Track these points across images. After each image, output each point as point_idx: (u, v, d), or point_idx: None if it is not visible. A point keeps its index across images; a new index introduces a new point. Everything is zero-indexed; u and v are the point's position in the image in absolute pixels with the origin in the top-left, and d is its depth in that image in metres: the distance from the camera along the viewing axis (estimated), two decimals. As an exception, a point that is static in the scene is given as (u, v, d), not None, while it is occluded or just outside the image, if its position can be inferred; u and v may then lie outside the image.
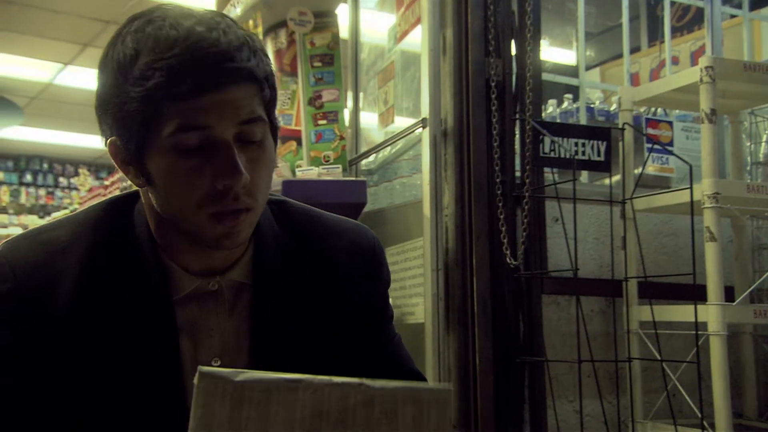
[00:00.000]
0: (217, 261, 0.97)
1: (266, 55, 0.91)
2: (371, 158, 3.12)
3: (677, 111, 2.83)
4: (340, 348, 1.02)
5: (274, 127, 0.93)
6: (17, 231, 7.47)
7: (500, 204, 2.27)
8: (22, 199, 10.32)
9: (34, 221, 7.85)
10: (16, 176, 10.46)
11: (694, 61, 3.25)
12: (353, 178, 2.81)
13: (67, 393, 0.91)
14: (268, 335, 0.98)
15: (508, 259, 2.23)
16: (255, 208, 0.91)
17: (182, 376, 0.94)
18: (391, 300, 2.64)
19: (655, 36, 3.76)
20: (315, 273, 1.01)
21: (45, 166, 10.59)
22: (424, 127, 2.39)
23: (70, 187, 10.44)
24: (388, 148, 2.93)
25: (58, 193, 10.56)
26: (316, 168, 2.56)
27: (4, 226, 8.20)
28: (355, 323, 1.04)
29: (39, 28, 6.11)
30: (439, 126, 2.38)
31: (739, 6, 3.06)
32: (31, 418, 0.90)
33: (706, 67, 2.08)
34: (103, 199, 1.03)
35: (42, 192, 10.50)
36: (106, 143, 0.92)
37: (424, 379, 1.13)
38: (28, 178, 10.51)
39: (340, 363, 1.02)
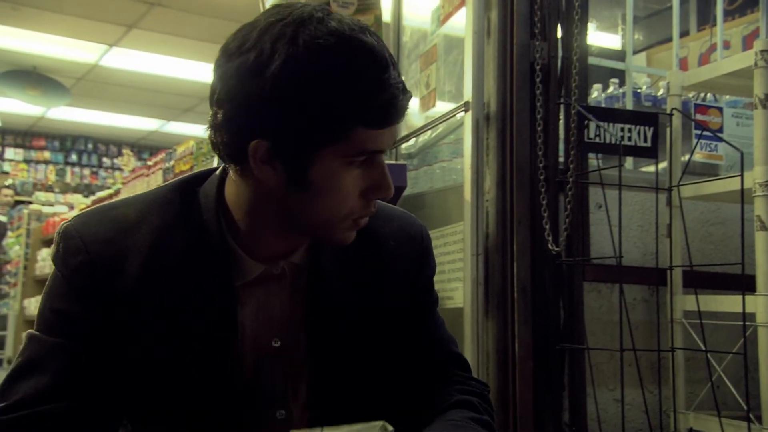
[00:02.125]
0: (284, 247, 1.00)
1: None
2: (411, 142, 3.10)
3: (727, 97, 2.75)
4: (389, 327, 1.06)
5: None
6: (63, 209, 7.64)
7: (542, 189, 2.24)
8: (68, 178, 10.55)
9: (78, 200, 8.01)
10: (62, 156, 10.69)
11: (746, 46, 3.16)
12: (393, 162, 2.80)
13: (134, 362, 0.94)
14: (324, 315, 1.01)
15: (549, 246, 2.20)
16: None
17: (243, 356, 0.98)
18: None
19: (704, 20, 3.66)
20: (366, 256, 1.05)
21: (90, 146, 10.80)
22: (466, 111, 2.37)
23: (114, 168, 10.65)
24: (429, 131, 2.91)
25: (102, 173, 10.78)
26: (357, 151, 2.56)
27: (51, 204, 8.40)
28: (403, 304, 1.07)
29: (85, 9, 6.20)
30: (482, 110, 2.35)
31: (796, -12, 2.96)
32: (103, 383, 0.94)
33: (762, 51, 2.02)
34: (172, 180, 1.06)
35: (86, 172, 10.72)
36: (211, 134, 0.93)
37: (465, 362, 1.15)
38: (74, 157, 10.74)
39: (389, 342, 1.06)
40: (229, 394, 0.97)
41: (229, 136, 0.91)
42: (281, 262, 1.00)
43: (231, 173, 0.98)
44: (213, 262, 0.96)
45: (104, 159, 10.84)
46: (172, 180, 1.04)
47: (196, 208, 0.99)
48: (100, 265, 0.93)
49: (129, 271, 0.93)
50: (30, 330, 0.96)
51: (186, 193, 1.01)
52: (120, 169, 10.16)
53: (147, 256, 0.94)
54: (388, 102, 0.89)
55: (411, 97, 0.93)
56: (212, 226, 0.97)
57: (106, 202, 1.04)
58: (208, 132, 0.94)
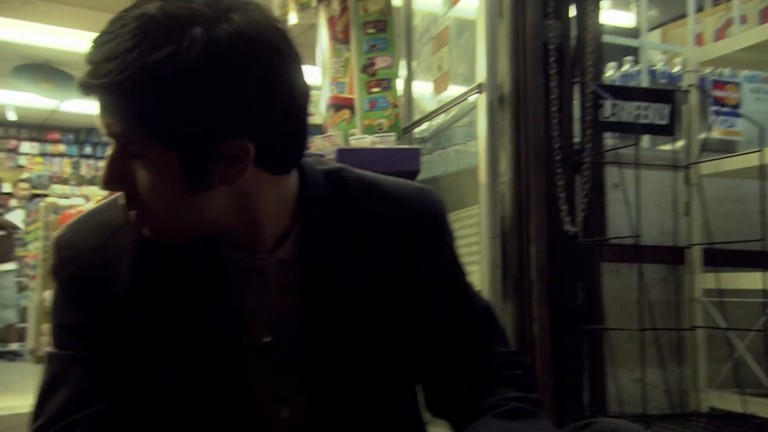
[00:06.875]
0: (257, 238, 0.92)
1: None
2: (425, 126, 3.09)
3: (745, 71, 2.72)
4: (400, 321, 0.97)
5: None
6: (79, 201, 7.68)
7: (558, 170, 2.22)
8: (83, 170, 10.61)
9: (94, 192, 8.04)
10: (77, 148, 10.74)
11: (762, 19, 3.11)
12: (407, 146, 2.79)
13: (137, 364, 0.93)
14: (317, 310, 0.94)
15: (566, 227, 2.19)
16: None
17: (236, 351, 0.94)
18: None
19: (720, -6, 3.61)
20: (371, 243, 0.95)
21: (103, 138, 10.83)
22: (480, 93, 2.35)
23: (128, 159, 10.67)
24: (442, 115, 2.89)
25: (117, 164, 10.81)
26: (370, 136, 2.55)
27: (67, 197, 8.44)
28: (419, 293, 0.98)
29: (97, 1, 6.20)
30: (496, 91, 2.33)
31: (813, -41, 2.91)
32: (121, 384, 0.94)
33: (779, 24, 1.99)
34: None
35: (101, 164, 10.70)
36: None
37: (520, 360, 1.02)
38: (88, 150, 10.78)
39: (403, 339, 0.98)
40: (228, 391, 0.94)
41: None
42: (261, 255, 0.93)
43: None
44: (200, 258, 0.92)
45: (118, 151, 10.87)
46: None
47: None
48: (90, 273, 0.94)
49: (120, 275, 0.93)
50: (48, 348, 0.98)
51: None
52: (134, 160, 10.17)
53: (133, 259, 0.93)
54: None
55: (104, 80, 0.84)
56: None
57: (100, 203, 1.02)
58: None
